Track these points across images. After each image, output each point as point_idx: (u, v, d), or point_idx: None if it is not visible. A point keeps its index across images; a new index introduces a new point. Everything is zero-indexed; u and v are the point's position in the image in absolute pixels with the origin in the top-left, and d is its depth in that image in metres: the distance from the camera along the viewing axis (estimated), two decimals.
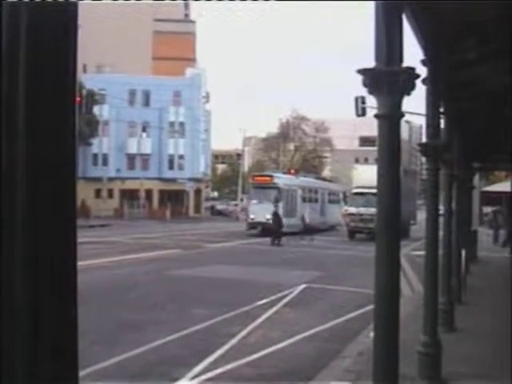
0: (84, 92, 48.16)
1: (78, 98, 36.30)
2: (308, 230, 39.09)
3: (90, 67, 65.62)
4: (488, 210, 43.17)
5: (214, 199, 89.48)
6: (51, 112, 1.23)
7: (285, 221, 40.28)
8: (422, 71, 7.06)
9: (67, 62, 1.25)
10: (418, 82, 4.56)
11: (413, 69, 4.39)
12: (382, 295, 4.30)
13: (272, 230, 33.41)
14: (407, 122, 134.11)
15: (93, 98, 54.47)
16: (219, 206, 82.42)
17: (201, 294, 14.87)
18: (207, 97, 73.81)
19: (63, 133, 1.25)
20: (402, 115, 4.40)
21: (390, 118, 4.31)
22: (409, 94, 4.37)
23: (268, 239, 33.03)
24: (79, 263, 1.27)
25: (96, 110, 57.89)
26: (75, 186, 1.27)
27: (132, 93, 68.33)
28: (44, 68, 1.22)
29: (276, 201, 40.31)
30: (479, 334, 10.18)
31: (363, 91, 4.48)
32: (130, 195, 64.33)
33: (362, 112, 35.30)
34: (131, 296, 14.14)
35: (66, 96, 1.26)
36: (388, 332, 4.30)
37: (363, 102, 34.84)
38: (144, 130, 69.78)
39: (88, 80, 53.69)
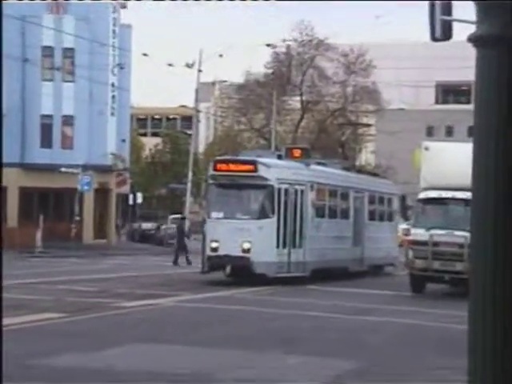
0: None
1: None
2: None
3: None
4: None
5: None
6: None
7: (278, 253, 40.25)
8: None
9: None
10: None
11: None
12: None
13: None
14: None
15: None
16: (145, 225, 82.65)
17: None
18: None
19: None
20: None
21: (503, 43, 4.30)
22: None
23: (247, 289, 32.69)
24: None
25: None
26: None
27: None
28: None
29: (263, 213, 40.27)
30: None
31: None
32: None
33: (443, 33, 35.37)
34: None
35: None
36: None
37: (448, 13, 34.93)
38: None
39: None
